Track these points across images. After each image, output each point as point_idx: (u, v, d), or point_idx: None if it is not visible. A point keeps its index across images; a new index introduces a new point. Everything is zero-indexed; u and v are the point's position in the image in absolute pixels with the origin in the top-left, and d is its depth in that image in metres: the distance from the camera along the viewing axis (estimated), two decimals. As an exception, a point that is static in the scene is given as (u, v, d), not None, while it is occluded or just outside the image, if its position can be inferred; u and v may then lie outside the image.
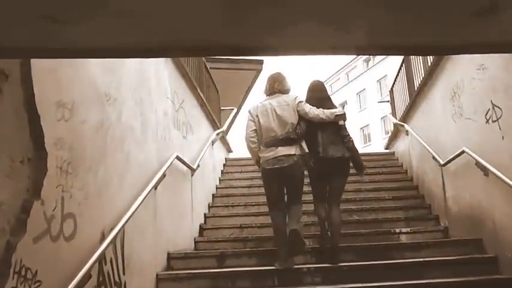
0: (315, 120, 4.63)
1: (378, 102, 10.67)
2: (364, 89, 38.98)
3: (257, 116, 4.63)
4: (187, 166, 5.39)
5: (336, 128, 4.73)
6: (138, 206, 3.55)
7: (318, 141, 4.65)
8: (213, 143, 7.57)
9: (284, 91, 4.76)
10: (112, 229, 3.17)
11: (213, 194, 7.22)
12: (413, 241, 5.28)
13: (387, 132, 35.29)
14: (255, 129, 4.65)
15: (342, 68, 44.10)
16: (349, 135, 4.79)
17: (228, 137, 10.03)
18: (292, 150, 4.47)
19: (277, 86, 4.76)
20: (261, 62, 11.54)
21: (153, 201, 4.25)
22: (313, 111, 4.63)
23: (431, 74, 6.26)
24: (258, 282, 4.31)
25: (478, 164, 4.57)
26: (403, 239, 5.61)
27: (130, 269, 3.56)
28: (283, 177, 4.47)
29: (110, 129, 3.34)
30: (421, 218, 6.33)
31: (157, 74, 4.74)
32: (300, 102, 4.66)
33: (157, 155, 4.51)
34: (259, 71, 11.58)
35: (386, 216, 6.35)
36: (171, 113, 5.12)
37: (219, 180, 7.98)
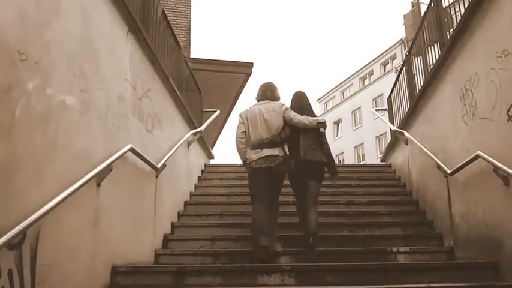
0: (299, 125, 5.03)
1: (375, 110, 9.90)
2: (360, 107, 38.34)
3: (247, 119, 5.04)
4: (148, 164, 4.54)
5: (316, 134, 5.13)
6: (57, 203, 2.69)
7: (299, 145, 5.01)
8: (189, 144, 6.73)
9: (274, 99, 5.19)
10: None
11: (185, 202, 6.36)
12: (414, 262, 4.43)
13: (381, 152, 34.76)
14: (245, 131, 5.04)
15: (338, 85, 43.57)
16: (327, 142, 5.22)
17: (217, 145, 9.25)
18: (276, 151, 4.86)
19: (269, 93, 5.21)
20: (250, 65, 10.79)
21: (92, 201, 3.40)
22: (298, 117, 5.03)
23: (437, 73, 5.50)
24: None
25: (496, 170, 3.76)
26: (401, 259, 4.78)
27: (46, 285, 2.69)
28: (268, 176, 4.82)
29: (21, 99, 2.50)
30: (421, 236, 5.51)
31: (112, 48, 3.92)
32: (286, 109, 5.08)
33: (106, 146, 3.67)
34: (248, 74, 10.83)
35: (382, 233, 5.51)
36: (130, 100, 4.29)
37: (195, 186, 7.12)
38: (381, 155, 28.96)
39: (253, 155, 4.87)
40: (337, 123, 40.95)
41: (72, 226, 3.07)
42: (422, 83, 6.29)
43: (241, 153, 5.05)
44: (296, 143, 4.99)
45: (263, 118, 4.94)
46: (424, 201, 6.20)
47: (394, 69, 33.92)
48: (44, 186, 2.68)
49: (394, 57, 36.53)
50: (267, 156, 4.80)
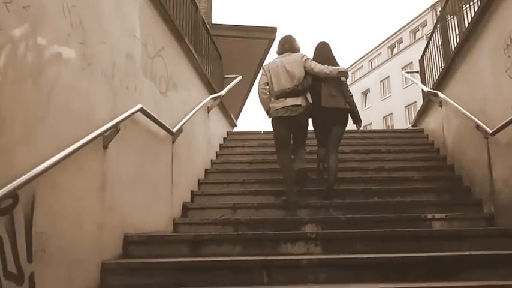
0: (320, 74, 5.20)
1: (406, 72, 9.34)
2: (388, 76, 37.30)
3: (269, 71, 5.25)
4: (163, 128, 4.25)
5: (337, 83, 5.26)
6: (53, 164, 2.42)
7: (321, 94, 5.19)
8: (208, 110, 6.42)
9: (294, 50, 5.37)
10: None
11: (206, 170, 6.09)
12: (450, 229, 4.06)
13: (411, 122, 33.85)
14: (267, 83, 5.26)
15: (365, 55, 42.43)
16: (349, 91, 5.37)
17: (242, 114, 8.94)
18: (298, 101, 5.08)
19: (287, 46, 5.41)
20: (273, 30, 10.32)
21: (98, 164, 3.14)
22: (318, 66, 5.19)
23: (475, 26, 4.98)
24: (242, 278, 3.16)
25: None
26: (437, 226, 4.41)
27: (45, 255, 2.45)
28: (291, 124, 5.10)
29: (5, 48, 2.21)
30: (458, 203, 5.09)
31: (118, 1, 3.60)
32: (307, 59, 5.26)
33: (113, 106, 3.38)
34: (272, 40, 10.36)
35: (415, 200, 5.13)
36: (141, 58, 3.98)
37: (216, 154, 6.84)
38: (410, 125, 28.27)
39: (277, 104, 5.12)
40: (365, 93, 40.01)
41: (75, 191, 2.82)
42: (458, 40, 5.78)
43: (265, 104, 5.35)
44: (318, 92, 5.19)
45: (285, 69, 5.15)
46: (460, 166, 5.77)
47: (424, 36, 32.68)
48: (34, 145, 2.40)
49: (424, 24, 35.18)
50: (290, 106, 5.04)
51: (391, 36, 39.19)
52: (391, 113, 36.46)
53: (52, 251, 2.52)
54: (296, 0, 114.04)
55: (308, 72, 5.16)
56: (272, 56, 10.02)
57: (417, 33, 36.07)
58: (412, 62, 31.10)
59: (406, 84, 34.73)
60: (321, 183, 5.37)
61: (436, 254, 3.28)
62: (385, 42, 39.86)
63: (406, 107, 34.54)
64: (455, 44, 5.90)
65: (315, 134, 5.54)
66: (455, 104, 5.61)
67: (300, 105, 5.04)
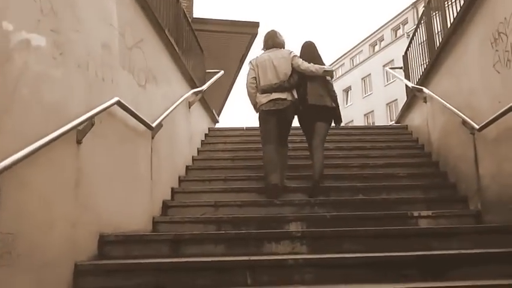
0: (306, 72, 5.29)
1: (390, 68, 9.30)
2: (370, 74, 37.46)
3: (257, 66, 5.33)
4: (141, 122, 4.06)
5: (323, 81, 5.38)
6: (18, 160, 2.23)
7: (307, 91, 5.27)
8: (190, 105, 6.24)
9: (278, 45, 5.47)
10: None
11: (187, 166, 5.90)
12: (439, 227, 3.96)
13: (392, 119, 34.09)
14: (255, 77, 5.33)
15: (347, 52, 42.54)
16: (334, 90, 5.51)
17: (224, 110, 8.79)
18: (284, 95, 5.15)
19: (270, 42, 5.50)
20: (256, 25, 10.16)
21: (72, 160, 2.94)
22: (305, 64, 5.29)
23: (462, 19, 4.90)
24: (224, 279, 3.01)
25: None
26: (423, 224, 4.32)
27: (12, 258, 2.26)
28: (277, 118, 5.15)
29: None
30: (444, 200, 5.02)
31: (93, -13, 3.41)
32: (294, 56, 5.35)
33: (88, 98, 3.19)
34: (254, 35, 10.20)
35: (401, 197, 5.04)
36: (118, 48, 3.79)
37: (198, 151, 6.66)
38: (391, 122, 28.44)
39: (263, 98, 5.20)
40: (347, 90, 40.11)
41: (46, 188, 2.63)
42: (443, 35, 5.71)
43: (252, 98, 5.40)
44: (304, 89, 5.27)
45: (272, 64, 5.23)
46: (446, 162, 5.70)
47: (405, 34, 32.87)
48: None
49: (405, 22, 35.40)
50: (276, 99, 5.12)
51: (372, 33, 39.35)
52: (373, 111, 36.63)
53: (20, 252, 2.33)
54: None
55: (295, 69, 5.25)
56: (255, 50, 9.87)
57: (398, 31, 36.28)
58: (393, 60, 31.28)
59: (387, 81, 34.94)
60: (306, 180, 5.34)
61: (426, 252, 3.17)
62: (366, 40, 40.01)
63: (387, 104, 34.74)
64: (441, 39, 5.83)
65: (302, 130, 5.62)
66: (440, 100, 5.53)
67: (285, 99, 5.11)
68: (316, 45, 5.70)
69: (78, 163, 3.00)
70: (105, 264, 3.07)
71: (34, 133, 2.48)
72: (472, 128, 4.57)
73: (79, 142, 3.01)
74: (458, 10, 5.06)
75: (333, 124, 5.53)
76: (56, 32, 2.79)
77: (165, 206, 4.77)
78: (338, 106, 5.48)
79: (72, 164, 2.95)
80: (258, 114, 5.35)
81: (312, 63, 5.29)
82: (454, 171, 5.40)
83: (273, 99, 5.11)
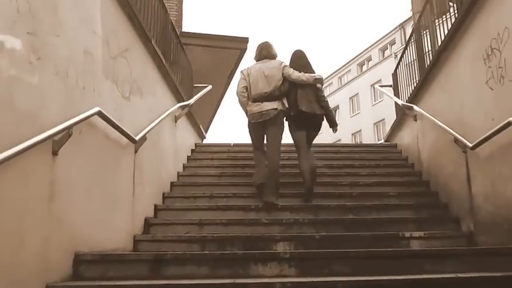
0: (296, 81, 5.43)
1: (379, 86, 9.25)
2: (358, 93, 37.66)
3: (248, 76, 5.50)
4: (124, 135, 3.88)
5: (313, 89, 5.52)
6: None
7: (297, 99, 5.39)
8: (176, 119, 6.07)
9: (271, 56, 5.63)
10: None
11: (172, 182, 5.71)
12: (432, 249, 3.81)
13: (380, 139, 34.19)
14: (246, 86, 5.48)
15: (335, 71, 42.79)
16: (324, 96, 5.67)
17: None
18: (274, 105, 5.31)
19: (264, 52, 5.65)
20: (245, 40, 10.07)
21: (46, 171, 2.75)
22: (296, 73, 5.45)
23: (453, 36, 4.84)
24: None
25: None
26: (416, 245, 4.17)
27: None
28: (266, 127, 5.35)
29: None
30: (435, 220, 4.90)
31: (76, -9, 3.26)
32: (285, 66, 5.51)
33: (67, 108, 3.01)
34: (243, 50, 10.10)
35: (391, 217, 4.90)
36: (101, 57, 3.62)
37: (183, 166, 6.47)
38: (380, 142, 28.32)
39: (254, 107, 5.35)
40: (335, 109, 40.19)
41: (16, 201, 2.43)
42: (434, 51, 5.65)
43: (243, 106, 5.53)
44: (295, 97, 5.39)
45: (264, 74, 5.39)
46: (437, 181, 5.58)
47: (393, 54, 33.20)
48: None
49: (393, 43, 35.80)
50: (265, 110, 5.27)
51: (360, 53, 39.70)
52: (360, 130, 36.73)
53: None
54: (269, 15, 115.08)
55: (285, 79, 5.40)
56: (244, 65, 9.75)
57: (386, 51, 36.64)
58: (381, 80, 31.46)
59: (375, 101, 35.14)
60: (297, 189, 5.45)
61: (421, 276, 3.01)
62: (354, 60, 40.33)
63: (375, 124, 34.89)
64: (431, 56, 5.78)
65: (292, 138, 5.63)
66: (431, 117, 5.44)
67: (276, 109, 5.26)
68: (306, 54, 5.83)
69: (53, 175, 2.81)
70: (78, 286, 2.86)
71: (4, 141, 2.29)
72: (465, 146, 4.47)
73: (55, 153, 2.82)
74: (448, 27, 5.01)
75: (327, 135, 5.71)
76: (33, 35, 2.62)
77: (148, 224, 4.56)
78: (330, 111, 5.70)
79: (47, 176, 2.75)
80: (247, 122, 5.51)
81: (302, 72, 5.45)
82: (445, 190, 5.28)
83: (262, 111, 5.26)
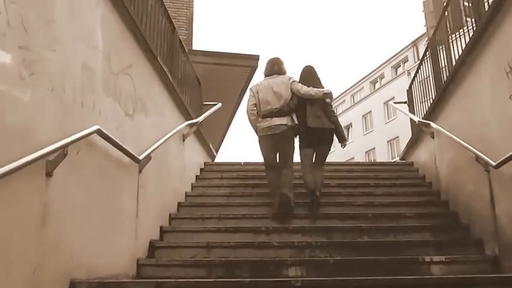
0: (305, 96, 5.49)
1: (394, 102, 9.07)
2: (371, 111, 37.38)
3: (257, 93, 5.54)
4: (127, 154, 3.70)
5: (322, 104, 5.55)
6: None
7: (306, 114, 5.45)
8: (184, 137, 5.90)
9: (281, 73, 5.67)
10: None
11: (179, 203, 5.51)
12: (458, 276, 3.53)
13: (394, 157, 33.76)
14: (255, 103, 5.52)
15: (348, 89, 42.65)
16: (333, 111, 5.70)
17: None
18: (284, 120, 5.37)
19: (276, 68, 5.69)
20: (256, 58, 9.95)
21: (39, 194, 2.57)
22: (304, 88, 5.50)
23: (473, 48, 4.61)
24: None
25: None
26: (436, 271, 3.91)
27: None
28: (275, 142, 5.37)
29: None
30: (456, 243, 4.61)
31: (75, 5, 3.11)
32: (293, 81, 5.56)
33: (63, 126, 2.85)
34: (254, 68, 9.98)
35: (409, 239, 4.64)
36: (102, 73, 3.47)
37: (192, 186, 6.28)
38: (394, 159, 27.87)
39: (263, 123, 5.42)
40: (348, 127, 39.92)
41: (3, 224, 2.24)
42: (452, 66, 5.43)
43: (253, 124, 5.61)
44: (304, 112, 5.45)
45: (272, 90, 5.43)
46: (457, 201, 5.31)
47: (406, 71, 32.96)
48: None
49: (405, 60, 35.60)
50: (275, 125, 5.33)
51: (373, 71, 39.54)
52: (374, 148, 36.34)
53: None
54: (282, 33, 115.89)
55: (294, 94, 5.46)
56: (254, 83, 9.63)
57: (398, 69, 36.43)
58: (394, 97, 31.13)
59: (388, 119, 34.81)
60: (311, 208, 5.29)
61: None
62: (367, 77, 40.17)
63: (388, 141, 34.49)
64: (448, 71, 5.56)
65: (299, 155, 5.64)
66: (450, 134, 5.18)
67: (285, 125, 5.32)
68: (315, 69, 5.90)
69: (46, 198, 2.62)
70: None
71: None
72: (487, 164, 4.21)
73: (49, 174, 2.64)
74: (466, 42, 4.80)
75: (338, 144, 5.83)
76: (25, 49, 2.47)
77: (152, 247, 4.36)
78: (339, 126, 5.68)
79: (39, 199, 2.57)
80: (257, 138, 5.57)
81: (311, 87, 5.51)
82: (466, 211, 5.00)
83: (272, 126, 5.33)
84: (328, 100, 5.57)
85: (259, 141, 5.53)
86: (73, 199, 2.93)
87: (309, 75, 5.77)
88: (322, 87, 5.65)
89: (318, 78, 5.77)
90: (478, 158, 4.40)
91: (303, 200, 5.47)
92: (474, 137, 4.63)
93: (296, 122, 5.42)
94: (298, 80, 5.63)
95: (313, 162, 5.60)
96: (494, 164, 4.03)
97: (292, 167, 5.40)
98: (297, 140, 5.65)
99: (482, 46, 4.41)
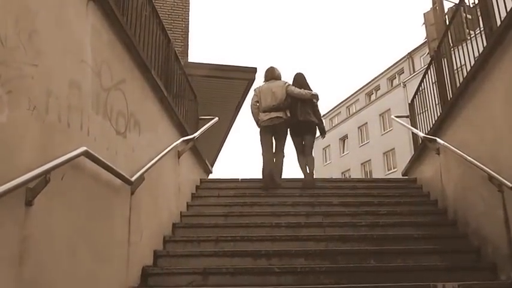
0: (297, 97, 7.01)
1: (395, 116, 8.83)
2: (366, 122, 37.24)
3: (259, 92, 7.15)
4: (117, 176, 3.42)
5: (311, 103, 7.10)
6: None
7: (297, 110, 6.95)
8: (179, 154, 5.62)
9: (276, 78, 7.29)
10: None
11: (174, 224, 5.21)
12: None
13: (389, 169, 33.56)
14: (257, 100, 7.11)
15: (343, 101, 42.57)
16: (319, 111, 7.30)
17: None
18: (280, 114, 6.93)
19: (270, 75, 7.32)
20: (253, 71, 9.70)
21: (17, 226, 2.28)
22: (296, 90, 7.04)
23: (484, 64, 4.39)
24: None
25: None
26: (449, 299, 3.63)
27: None
28: (273, 131, 6.97)
29: None
30: (468, 267, 4.36)
31: (61, 16, 2.86)
32: (288, 85, 7.14)
33: (47, 149, 2.58)
34: (251, 80, 9.73)
35: (419, 264, 4.37)
36: (91, 89, 3.20)
37: (187, 205, 5.98)
38: (389, 172, 27.74)
39: (264, 116, 6.97)
40: (343, 139, 39.77)
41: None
42: (461, 80, 5.20)
43: (255, 116, 7.14)
44: (295, 109, 6.95)
45: (271, 91, 7.01)
46: (466, 222, 5.04)
47: (401, 83, 32.91)
48: None
49: (401, 72, 35.61)
50: (273, 117, 6.89)
51: (368, 83, 39.53)
52: (370, 160, 36.15)
53: None
54: (278, 45, 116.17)
55: (289, 95, 6.99)
56: (249, 97, 9.37)
57: (394, 81, 36.39)
58: (390, 109, 31.09)
59: (384, 130, 34.68)
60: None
61: None
62: (362, 89, 40.14)
63: (384, 153, 34.32)
64: (457, 85, 5.33)
65: (292, 143, 7.19)
66: (459, 152, 4.93)
67: (281, 117, 6.90)
68: (305, 75, 7.40)
69: (25, 231, 2.34)
70: None
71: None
72: (501, 184, 3.97)
73: (29, 203, 2.36)
74: (475, 56, 4.59)
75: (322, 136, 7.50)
76: (2, 64, 2.20)
77: (145, 274, 4.05)
78: (322, 122, 7.41)
79: (17, 232, 2.28)
80: (259, 129, 7.07)
81: (302, 89, 7.05)
82: (477, 232, 4.74)
83: (270, 118, 6.87)
84: (315, 100, 7.10)
85: (260, 132, 7.03)
86: (56, 230, 2.65)
87: (300, 80, 7.27)
88: (310, 89, 7.15)
89: (307, 82, 7.26)
90: (491, 178, 4.16)
91: (305, 220, 5.20)
92: (487, 156, 4.39)
93: (289, 116, 6.93)
94: (291, 83, 7.14)
95: (303, 147, 7.07)
96: (510, 185, 3.78)
97: (284, 150, 7.03)
98: (289, 131, 7.10)
99: (495, 60, 4.18)
